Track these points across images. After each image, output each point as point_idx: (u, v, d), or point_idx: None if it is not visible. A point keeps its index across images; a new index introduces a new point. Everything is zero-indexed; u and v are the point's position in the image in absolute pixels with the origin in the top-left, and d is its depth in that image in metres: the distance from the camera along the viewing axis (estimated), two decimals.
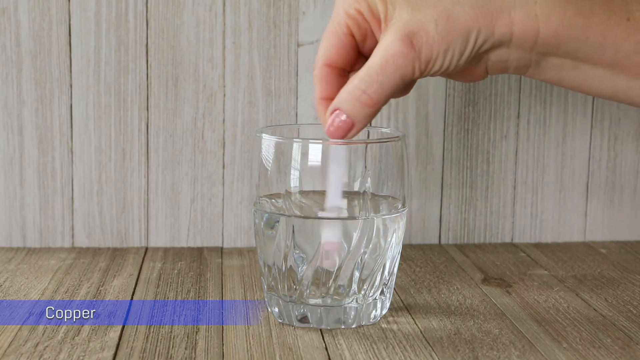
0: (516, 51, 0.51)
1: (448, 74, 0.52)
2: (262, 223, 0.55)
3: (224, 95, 0.72)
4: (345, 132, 0.52)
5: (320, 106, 0.54)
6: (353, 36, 0.53)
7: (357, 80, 0.51)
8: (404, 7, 0.51)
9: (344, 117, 0.51)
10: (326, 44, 0.53)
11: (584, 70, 0.52)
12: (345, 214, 0.54)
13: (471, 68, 0.53)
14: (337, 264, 0.54)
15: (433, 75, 0.52)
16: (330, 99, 0.53)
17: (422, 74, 0.51)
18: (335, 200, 0.53)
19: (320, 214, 0.54)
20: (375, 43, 0.53)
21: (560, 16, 0.50)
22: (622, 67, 0.51)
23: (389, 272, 0.56)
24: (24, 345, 0.52)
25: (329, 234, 0.54)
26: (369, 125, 0.56)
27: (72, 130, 0.72)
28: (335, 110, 0.52)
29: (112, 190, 0.73)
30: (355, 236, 0.53)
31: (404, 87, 0.54)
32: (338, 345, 0.53)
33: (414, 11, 0.50)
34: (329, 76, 0.54)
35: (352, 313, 0.55)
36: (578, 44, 0.51)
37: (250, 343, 0.53)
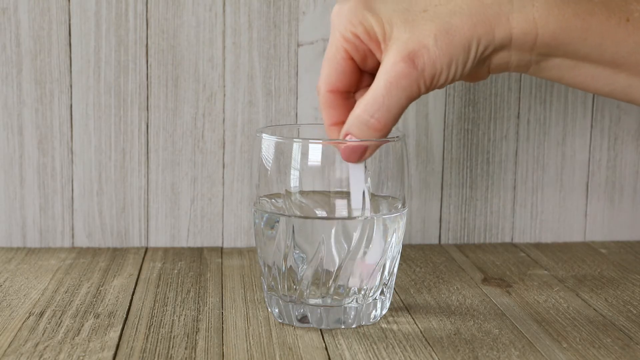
0: (516, 53, 0.51)
1: None
2: (262, 223, 0.55)
3: (224, 95, 0.72)
4: (360, 156, 0.52)
5: (331, 132, 0.54)
6: (352, 59, 0.52)
7: (364, 104, 0.51)
8: (401, 25, 0.50)
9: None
10: (327, 70, 0.53)
11: (584, 68, 0.52)
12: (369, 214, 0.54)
13: (474, 71, 0.53)
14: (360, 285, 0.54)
15: (440, 87, 0.51)
16: (340, 123, 0.53)
17: (428, 90, 0.51)
18: (358, 204, 0.53)
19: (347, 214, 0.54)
20: (377, 62, 0.52)
21: (558, 18, 0.50)
22: (621, 66, 0.51)
23: (389, 272, 0.56)
24: (24, 345, 0.52)
25: (372, 255, 0.54)
26: None
27: (72, 130, 0.72)
28: (347, 135, 0.52)
29: (112, 190, 0.73)
30: (355, 236, 0.53)
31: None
32: (338, 345, 0.53)
33: (412, 28, 0.50)
34: (335, 101, 0.53)
35: (352, 313, 0.55)
36: (577, 45, 0.50)
37: (250, 343, 0.53)
